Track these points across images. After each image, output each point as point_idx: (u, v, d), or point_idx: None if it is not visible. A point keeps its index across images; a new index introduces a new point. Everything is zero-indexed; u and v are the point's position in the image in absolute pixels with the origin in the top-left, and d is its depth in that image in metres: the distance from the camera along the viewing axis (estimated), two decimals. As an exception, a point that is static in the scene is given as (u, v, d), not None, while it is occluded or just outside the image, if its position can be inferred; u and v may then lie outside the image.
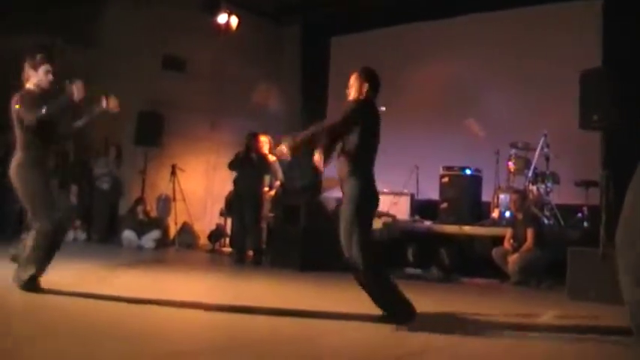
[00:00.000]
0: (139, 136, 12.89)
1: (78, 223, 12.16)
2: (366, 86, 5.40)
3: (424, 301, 7.18)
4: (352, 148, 5.23)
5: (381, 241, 9.77)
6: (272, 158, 10.95)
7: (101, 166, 12.70)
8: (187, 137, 13.84)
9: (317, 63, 14.43)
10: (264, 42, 14.79)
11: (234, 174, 10.79)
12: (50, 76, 5.80)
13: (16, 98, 5.70)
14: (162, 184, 12.85)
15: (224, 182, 12.10)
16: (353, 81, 5.48)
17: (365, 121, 5.28)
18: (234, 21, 13.39)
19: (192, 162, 13.64)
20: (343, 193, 5.31)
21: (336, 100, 13.49)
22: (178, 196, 12.31)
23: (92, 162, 12.90)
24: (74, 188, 12.23)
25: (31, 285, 5.48)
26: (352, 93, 5.46)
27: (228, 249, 12.26)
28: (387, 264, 9.44)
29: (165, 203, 12.78)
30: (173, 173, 12.35)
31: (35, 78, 5.81)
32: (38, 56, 5.86)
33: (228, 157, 10.58)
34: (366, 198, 5.24)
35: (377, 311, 5.16)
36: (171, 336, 4.55)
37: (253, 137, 10.53)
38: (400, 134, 11.81)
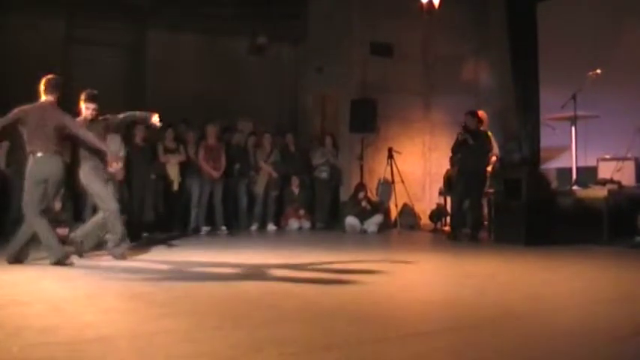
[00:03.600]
0: (353, 124, 13.14)
1: (302, 212, 12.67)
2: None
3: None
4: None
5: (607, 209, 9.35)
6: (489, 133, 10.80)
7: (318, 156, 13.12)
8: (401, 120, 13.94)
9: (524, 31, 13.94)
10: (468, 16, 14.55)
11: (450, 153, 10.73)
12: (90, 112, 7.59)
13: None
14: (380, 169, 13.03)
15: (441, 161, 12.06)
16: None
17: None
18: (436, -1, 13.28)
19: (407, 144, 13.73)
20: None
21: (548, 69, 13.03)
22: (397, 179, 12.44)
23: (311, 153, 13.36)
24: (295, 179, 12.74)
25: None
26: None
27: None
28: (613, 233, 9.11)
29: (385, 187, 12.95)
30: (390, 157, 12.50)
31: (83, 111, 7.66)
32: (85, 94, 7.67)
33: (443, 136, 10.55)
34: None
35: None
36: (409, 317, 4.59)
37: (471, 115, 10.39)
38: (619, 96, 11.23)
